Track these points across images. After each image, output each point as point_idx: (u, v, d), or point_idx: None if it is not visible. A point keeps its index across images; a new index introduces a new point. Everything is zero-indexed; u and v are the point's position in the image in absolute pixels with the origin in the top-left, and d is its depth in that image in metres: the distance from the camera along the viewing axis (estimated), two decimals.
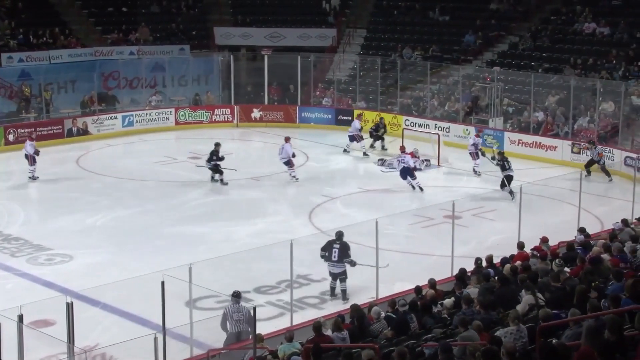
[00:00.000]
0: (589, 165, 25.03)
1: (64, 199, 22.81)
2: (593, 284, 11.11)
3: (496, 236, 19.03)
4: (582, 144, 26.33)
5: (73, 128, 30.21)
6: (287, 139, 25.06)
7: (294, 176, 24.58)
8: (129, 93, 33.59)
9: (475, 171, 25.37)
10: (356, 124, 28.56)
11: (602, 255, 13.29)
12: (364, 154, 27.91)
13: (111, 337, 12.83)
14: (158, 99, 33.36)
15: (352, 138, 28.28)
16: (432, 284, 13.93)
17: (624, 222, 16.16)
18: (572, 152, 26.55)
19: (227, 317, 13.05)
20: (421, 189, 23.21)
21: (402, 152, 24.16)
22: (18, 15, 33.61)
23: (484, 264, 14.63)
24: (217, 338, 13.35)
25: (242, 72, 35.47)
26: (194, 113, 33.03)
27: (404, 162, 23.41)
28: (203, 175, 25.33)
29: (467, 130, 29.29)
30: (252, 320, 12.44)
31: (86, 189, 23.92)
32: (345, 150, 28.42)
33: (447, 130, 29.58)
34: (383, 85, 33.17)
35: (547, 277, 12.48)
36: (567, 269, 12.82)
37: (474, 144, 25.61)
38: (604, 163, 24.81)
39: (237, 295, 13.24)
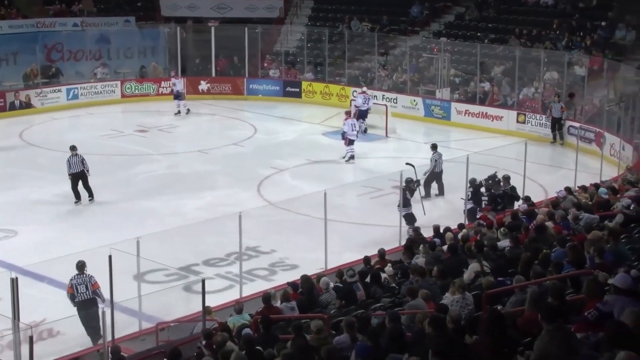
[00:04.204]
0: (554, 127, 25.48)
1: (8, 173, 22.41)
2: (544, 250, 11.32)
3: (444, 205, 19.29)
4: (547, 100, 26.71)
5: (15, 101, 29.61)
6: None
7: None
8: (73, 65, 33.00)
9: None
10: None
11: (546, 223, 13.52)
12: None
13: (58, 312, 12.68)
14: (104, 71, 32.82)
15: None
16: (382, 254, 14.05)
17: (567, 190, 16.45)
18: (518, 121, 26.92)
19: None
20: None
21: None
22: None
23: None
24: (166, 311, 13.33)
25: (189, 44, 35.05)
26: (140, 85, 32.61)
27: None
28: (152, 148, 25.15)
29: (414, 101, 29.49)
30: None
31: (31, 163, 23.53)
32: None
33: (395, 101, 29.70)
34: (331, 56, 33.14)
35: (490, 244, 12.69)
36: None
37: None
38: (564, 121, 25.33)
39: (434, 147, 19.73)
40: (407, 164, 17.95)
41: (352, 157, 23.73)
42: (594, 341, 6.84)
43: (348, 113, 24.60)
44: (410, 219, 17.22)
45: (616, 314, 7.06)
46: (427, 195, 19.86)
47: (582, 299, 8.32)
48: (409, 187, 17.70)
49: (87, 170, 19.79)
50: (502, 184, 18.01)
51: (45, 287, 14.54)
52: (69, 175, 19.73)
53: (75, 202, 19.70)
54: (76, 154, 19.88)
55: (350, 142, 23.71)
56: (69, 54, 33.00)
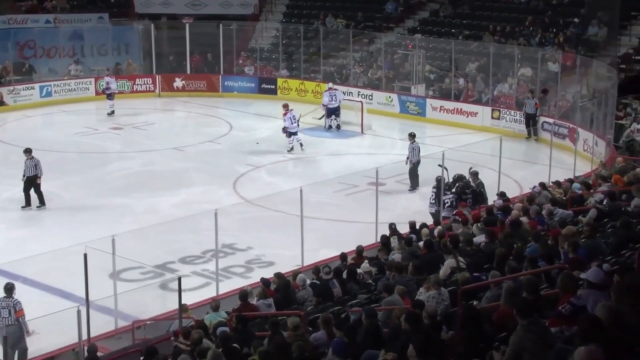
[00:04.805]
0: (528, 123, 25.63)
1: None
2: (516, 245, 11.43)
3: (419, 201, 19.40)
4: (521, 97, 26.94)
5: None
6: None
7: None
8: (46, 63, 32.72)
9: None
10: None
11: (521, 219, 13.62)
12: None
13: (33, 311, 12.59)
14: (77, 68, 32.51)
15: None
16: (360, 250, 14.07)
17: (542, 185, 16.58)
18: (492, 117, 27.07)
19: None
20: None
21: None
22: None
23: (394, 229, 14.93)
24: (142, 310, 13.28)
25: (163, 41, 34.89)
26: (114, 83, 32.35)
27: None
28: (126, 146, 25.03)
29: (389, 97, 29.55)
30: None
31: (3, 161, 23.29)
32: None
33: (370, 97, 29.75)
34: (306, 53, 33.13)
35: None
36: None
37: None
38: (539, 117, 25.49)
39: (413, 135, 20.08)
40: (439, 165, 17.94)
41: (301, 144, 24.22)
42: (567, 335, 6.91)
43: (286, 106, 24.77)
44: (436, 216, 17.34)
45: (590, 308, 7.14)
46: (414, 187, 20.01)
47: (556, 294, 8.40)
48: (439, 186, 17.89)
49: (39, 176, 18.99)
50: (470, 179, 18.09)
51: (19, 286, 14.39)
52: (22, 177, 19.06)
53: (23, 207, 19.00)
54: (31, 157, 19.12)
55: (291, 134, 24.17)
56: (42, 50, 32.71)
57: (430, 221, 16.35)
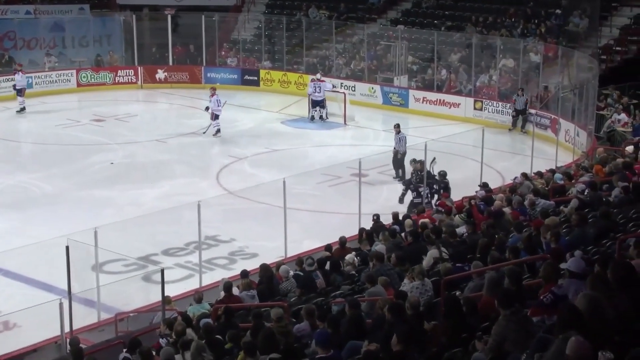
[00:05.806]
0: (516, 116, 25.65)
1: None
2: (497, 236, 11.47)
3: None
4: (503, 87, 27.06)
5: None
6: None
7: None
8: (26, 54, 32.45)
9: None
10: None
11: (504, 209, 13.68)
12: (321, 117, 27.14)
13: (15, 304, 12.55)
14: (50, 60, 32.04)
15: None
16: (343, 242, 14.07)
17: (524, 175, 16.66)
18: (475, 108, 27.14)
19: None
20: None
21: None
22: None
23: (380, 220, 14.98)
24: (125, 302, 13.25)
25: (145, 33, 34.71)
26: (96, 75, 32.20)
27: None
28: (108, 138, 24.91)
29: (372, 88, 29.55)
30: None
31: None
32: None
33: (353, 89, 29.74)
34: (289, 44, 33.05)
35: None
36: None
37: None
38: (528, 110, 25.56)
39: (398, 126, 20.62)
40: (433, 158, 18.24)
41: (218, 130, 24.82)
42: (549, 324, 6.95)
43: (213, 89, 25.54)
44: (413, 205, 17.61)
45: (571, 297, 7.18)
46: (402, 177, 20.05)
47: (538, 284, 8.44)
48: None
49: None
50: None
51: (1, 279, 14.37)
52: None
53: None
54: None
55: (215, 117, 24.85)
56: (22, 42, 32.43)
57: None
